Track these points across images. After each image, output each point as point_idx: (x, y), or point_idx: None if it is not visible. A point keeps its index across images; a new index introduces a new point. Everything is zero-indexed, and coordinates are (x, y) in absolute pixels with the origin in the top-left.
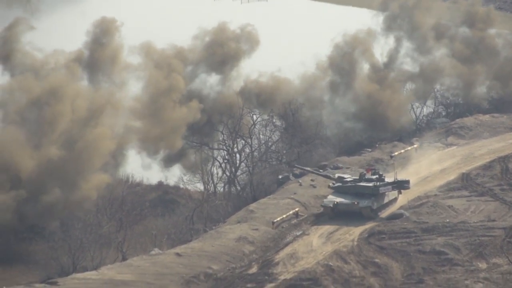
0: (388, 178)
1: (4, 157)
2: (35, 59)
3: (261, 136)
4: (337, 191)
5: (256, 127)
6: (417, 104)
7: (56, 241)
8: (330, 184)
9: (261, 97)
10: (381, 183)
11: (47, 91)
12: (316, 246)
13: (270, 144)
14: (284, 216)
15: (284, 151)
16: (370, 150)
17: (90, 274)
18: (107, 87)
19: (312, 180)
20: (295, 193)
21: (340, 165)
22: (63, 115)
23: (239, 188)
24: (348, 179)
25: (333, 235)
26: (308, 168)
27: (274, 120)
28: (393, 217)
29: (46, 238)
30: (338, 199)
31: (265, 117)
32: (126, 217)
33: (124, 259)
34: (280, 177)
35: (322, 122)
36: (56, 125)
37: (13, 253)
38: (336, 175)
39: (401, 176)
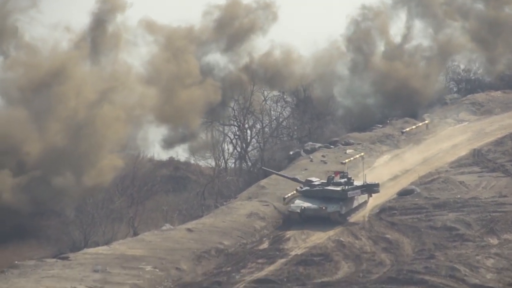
0: (357, 182)
1: (10, 139)
2: (38, 35)
3: (272, 112)
4: (305, 195)
5: (267, 103)
6: (430, 79)
7: (67, 216)
8: (298, 188)
9: (272, 72)
10: (349, 187)
11: (54, 70)
12: None
13: (281, 120)
14: (295, 192)
15: (295, 127)
16: (381, 126)
17: (102, 249)
18: (118, 66)
19: (323, 156)
20: (306, 169)
21: (351, 141)
22: (71, 95)
23: (250, 164)
24: (316, 183)
25: None
26: (276, 172)
27: (285, 96)
28: (404, 193)
29: (58, 213)
30: (306, 204)
31: (276, 93)
32: (137, 193)
33: (135, 234)
34: (291, 153)
35: (334, 98)
36: (63, 106)
37: (25, 228)
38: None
39: (414, 152)
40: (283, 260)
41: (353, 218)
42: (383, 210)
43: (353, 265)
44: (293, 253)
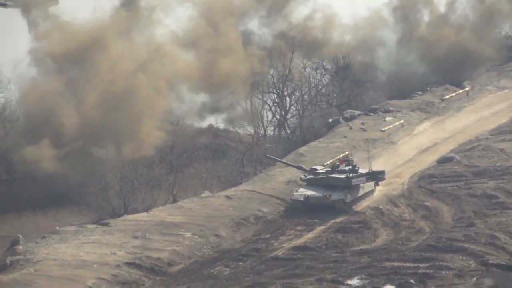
0: (363, 170)
1: (46, 110)
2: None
3: (311, 79)
4: (309, 183)
5: (306, 70)
6: (474, 47)
7: (107, 183)
8: (302, 176)
9: (311, 39)
10: (354, 174)
11: (90, 40)
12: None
13: (320, 87)
14: (334, 159)
15: (335, 95)
16: (421, 93)
17: (141, 216)
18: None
19: (362, 124)
20: (345, 137)
21: (391, 108)
22: (108, 66)
23: (289, 131)
24: (321, 171)
25: None
26: (281, 160)
27: (324, 64)
28: (444, 160)
29: (98, 180)
30: (310, 192)
31: (316, 60)
32: (176, 160)
33: (174, 201)
34: (330, 120)
35: (374, 66)
36: (100, 77)
37: (66, 195)
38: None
39: (453, 119)
40: (321, 228)
41: (359, 207)
42: (423, 178)
43: (392, 233)
44: (332, 220)
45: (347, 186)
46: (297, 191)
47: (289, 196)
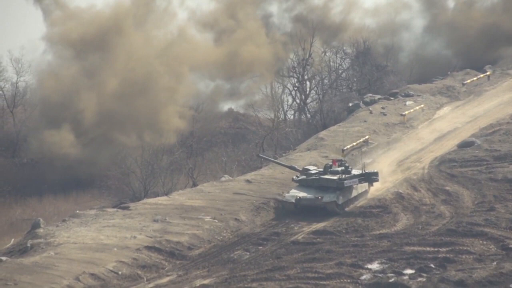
0: (356, 171)
1: (64, 95)
2: None
3: (331, 64)
4: (301, 184)
5: (327, 54)
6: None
7: (128, 167)
8: (294, 177)
9: (332, 23)
10: (346, 176)
11: (109, 25)
12: (386, 173)
13: (340, 71)
14: (354, 143)
15: (355, 79)
16: (441, 77)
17: (161, 199)
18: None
19: (382, 108)
20: (365, 121)
21: (411, 92)
22: (127, 52)
23: (309, 115)
24: (313, 172)
25: (404, 163)
26: (273, 159)
27: (344, 48)
28: (465, 145)
29: (118, 163)
30: (301, 194)
31: (336, 44)
32: (196, 144)
33: (194, 185)
34: (350, 104)
35: (395, 50)
36: (120, 63)
37: (86, 178)
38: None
39: (474, 103)
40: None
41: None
42: (443, 162)
43: (412, 217)
44: (351, 205)
45: (340, 187)
46: (288, 192)
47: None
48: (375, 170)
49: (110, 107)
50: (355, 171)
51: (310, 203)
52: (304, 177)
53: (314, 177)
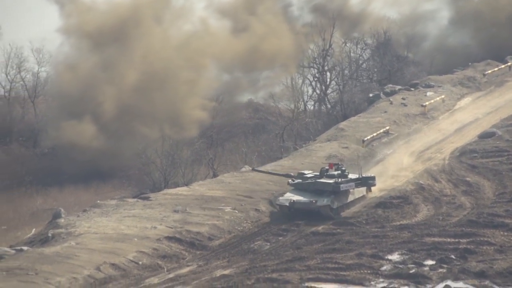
0: (352, 175)
1: (84, 87)
2: None
3: (351, 54)
4: (297, 188)
5: (347, 45)
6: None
7: (148, 157)
8: (289, 180)
9: (352, 14)
10: (342, 179)
11: (128, 17)
12: (406, 164)
13: (360, 62)
14: (374, 134)
15: (375, 69)
16: (462, 68)
17: (182, 190)
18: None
19: (403, 99)
20: (385, 112)
21: (432, 83)
22: (147, 45)
23: (329, 106)
24: (309, 175)
25: (424, 154)
26: (269, 170)
27: (365, 39)
28: (486, 135)
29: (139, 154)
30: (296, 197)
31: (356, 35)
32: (217, 135)
33: (214, 175)
34: (370, 95)
35: (415, 41)
36: (140, 55)
37: (107, 169)
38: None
39: (495, 94)
40: (362, 203)
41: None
42: (464, 153)
43: (432, 208)
44: (372, 195)
45: (335, 191)
46: (282, 195)
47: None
48: (372, 175)
49: (130, 100)
50: (351, 175)
51: (304, 206)
52: (300, 180)
53: (310, 181)
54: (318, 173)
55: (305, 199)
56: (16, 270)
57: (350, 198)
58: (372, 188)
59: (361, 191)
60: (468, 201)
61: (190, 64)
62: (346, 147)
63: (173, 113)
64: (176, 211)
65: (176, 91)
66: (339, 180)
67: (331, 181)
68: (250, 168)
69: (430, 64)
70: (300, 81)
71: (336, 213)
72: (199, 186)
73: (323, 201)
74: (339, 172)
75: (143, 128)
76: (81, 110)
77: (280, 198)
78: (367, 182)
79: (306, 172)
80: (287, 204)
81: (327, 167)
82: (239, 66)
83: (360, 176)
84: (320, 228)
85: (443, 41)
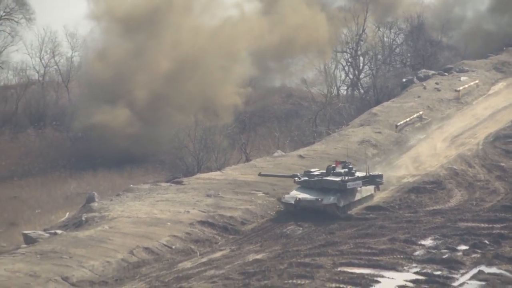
0: (360, 173)
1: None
2: None
3: (385, 39)
4: (303, 186)
5: (380, 29)
6: None
7: (181, 141)
8: (296, 178)
9: None
10: (349, 177)
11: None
12: (440, 149)
13: (394, 47)
14: (407, 119)
15: (409, 54)
16: (496, 53)
17: (214, 174)
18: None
19: (436, 84)
20: (419, 96)
21: (466, 68)
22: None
23: (362, 91)
24: (315, 173)
25: (458, 139)
26: (274, 174)
27: (398, 23)
28: None
29: (172, 139)
30: (301, 195)
31: (389, 19)
32: (249, 119)
33: (247, 160)
34: (404, 80)
35: (449, 25)
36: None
37: (140, 153)
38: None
39: None
40: (394, 188)
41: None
42: (498, 138)
43: (466, 193)
44: (405, 180)
45: (342, 189)
46: (288, 193)
47: (363, 155)
48: (380, 173)
49: (162, 88)
50: (359, 174)
51: (310, 204)
52: (306, 178)
53: (316, 179)
54: (324, 171)
55: (311, 197)
56: (50, 254)
57: (358, 196)
58: (405, 172)
59: (369, 189)
60: (502, 186)
61: (223, 52)
62: (379, 132)
63: (206, 101)
64: (209, 196)
65: (209, 79)
66: (346, 178)
67: (337, 179)
68: (283, 153)
69: (464, 49)
70: (333, 66)
71: (343, 212)
72: (231, 171)
73: (329, 199)
74: (346, 170)
75: (176, 115)
76: (114, 96)
77: (286, 196)
78: (374, 180)
79: (312, 170)
80: (293, 202)
81: (333, 165)
82: (273, 53)
83: (368, 174)
84: (353, 213)
85: (479, 26)
